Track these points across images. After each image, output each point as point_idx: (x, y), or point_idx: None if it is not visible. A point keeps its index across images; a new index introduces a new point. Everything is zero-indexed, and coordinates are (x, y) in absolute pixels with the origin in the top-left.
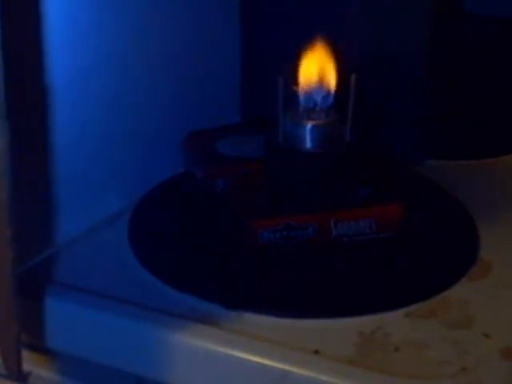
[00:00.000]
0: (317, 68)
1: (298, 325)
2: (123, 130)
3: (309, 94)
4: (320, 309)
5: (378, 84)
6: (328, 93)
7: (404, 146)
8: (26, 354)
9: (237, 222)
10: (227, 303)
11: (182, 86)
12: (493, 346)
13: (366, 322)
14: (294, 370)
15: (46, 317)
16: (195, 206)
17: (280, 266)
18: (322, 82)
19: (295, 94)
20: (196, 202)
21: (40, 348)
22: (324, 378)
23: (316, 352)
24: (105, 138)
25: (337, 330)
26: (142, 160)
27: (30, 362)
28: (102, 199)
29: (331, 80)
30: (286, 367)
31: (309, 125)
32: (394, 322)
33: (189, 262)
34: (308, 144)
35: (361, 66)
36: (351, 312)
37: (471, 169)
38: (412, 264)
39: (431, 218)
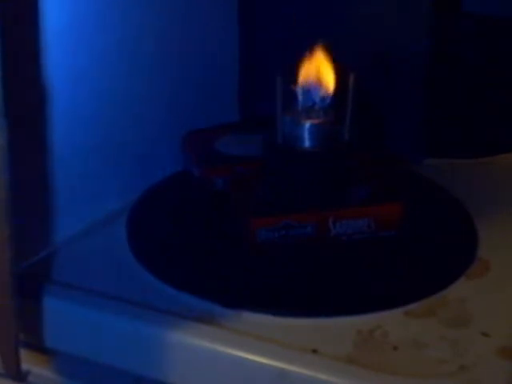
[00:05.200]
0: (316, 67)
1: (296, 324)
2: (122, 129)
3: (308, 93)
4: (319, 307)
5: (378, 83)
6: (327, 92)
7: (403, 144)
8: (24, 353)
9: (235, 221)
10: (226, 302)
11: (181, 85)
12: (491, 345)
13: (365, 320)
14: (293, 368)
15: (45, 316)
16: (194, 205)
17: (278, 265)
18: (320, 81)
19: (294, 93)
20: (194, 200)
21: (38, 347)
22: (322, 376)
23: (314, 351)
24: (103, 137)
25: (335, 328)
26: (140, 159)
27: (28, 361)
28: (101, 198)
29: (330, 79)
30: (285, 366)
31: (307, 124)
32: (393, 321)
33: (187, 261)
34: (307, 143)
35: (360, 65)
36: (350, 311)
37: (470, 168)
38: (411, 263)
39: (430, 216)
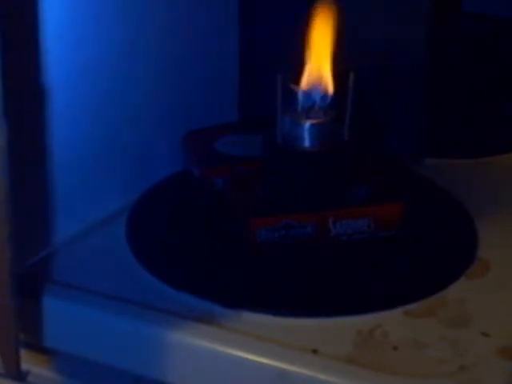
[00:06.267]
0: (316, 67)
1: (296, 324)
2: (122, 129)
3: (307, 93)
4: (319, 307)
5: (378, 83)
6: (327, 91)
7: (403, 144)
8: (24, 353)
9: (235, 221)
10: (226, 302)
11: (180, 85)
12: (491, 345)
13: (365, 320)
14: (293, 368)
15: (45, 316)
16: (194, 205)
17: (278, 265)
18: (320, 80)
19: (294, 93)
20: (194, 200)
21: (38, 347)
22: (322, 376)
23: (314, 351)
24: (103, 137)
25: (335, 328)
26: (140, 159)
27: (28, 361)
28: (101, 198)
29: (330, 79)
30: (285, 366)
31: (307, 124)
32: (393, 321)
33: (187, 261)
34: (306, 143)
35: (360, 65)
36: (350, 311)
37: (470, 167)
38: (411, 263)
39: (430, 216)
